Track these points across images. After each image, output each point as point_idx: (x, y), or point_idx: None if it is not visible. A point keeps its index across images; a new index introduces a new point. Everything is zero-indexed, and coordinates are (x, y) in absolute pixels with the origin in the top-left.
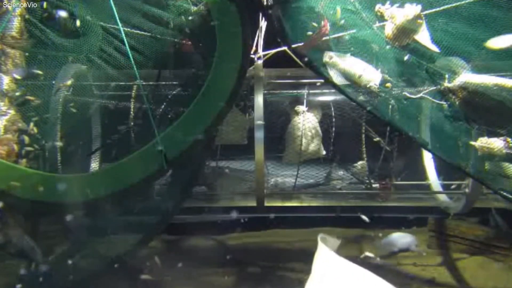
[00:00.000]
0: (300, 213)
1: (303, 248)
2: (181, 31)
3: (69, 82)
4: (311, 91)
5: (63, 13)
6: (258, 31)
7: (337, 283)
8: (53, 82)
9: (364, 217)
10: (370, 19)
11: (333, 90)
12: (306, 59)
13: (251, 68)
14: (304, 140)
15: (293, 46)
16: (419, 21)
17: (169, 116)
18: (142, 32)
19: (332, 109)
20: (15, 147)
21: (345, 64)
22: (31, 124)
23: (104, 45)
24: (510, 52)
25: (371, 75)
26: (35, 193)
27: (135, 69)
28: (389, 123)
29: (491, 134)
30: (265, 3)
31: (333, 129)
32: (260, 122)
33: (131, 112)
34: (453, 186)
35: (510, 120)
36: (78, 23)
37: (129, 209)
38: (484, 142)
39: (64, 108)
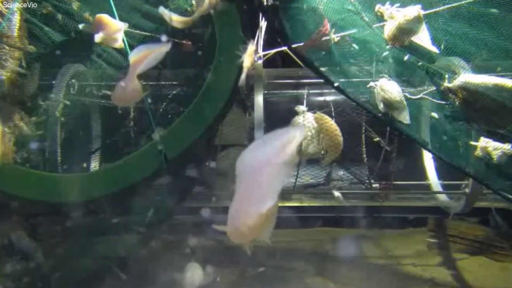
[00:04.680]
0: (300, 213)
1: (303, 248)
2: (181, 31)
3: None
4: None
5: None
6: (258, 31)
7: None
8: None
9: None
10: (370, 19)
11: (333, 90)
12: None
13: (251, 68)
14: (304, 140)
15: (293, 46)
16: (419, 21)
17: (169, 116)
18: (142, 32)
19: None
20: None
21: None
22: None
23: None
24: (510, 52)
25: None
26: (35, 192)
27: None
28: (390, 123)
29: (491, 134)
30: (265, 3)
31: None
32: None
33: (131, 112)
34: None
35: (510, 120)
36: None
37: (129, 209)
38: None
39: (64, 108)
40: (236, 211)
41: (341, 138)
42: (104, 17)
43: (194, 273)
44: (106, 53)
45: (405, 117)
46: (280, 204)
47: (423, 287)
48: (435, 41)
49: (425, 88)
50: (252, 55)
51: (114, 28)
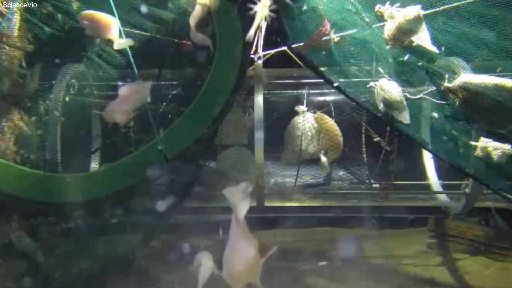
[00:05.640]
0: (300, 213)
1: (303, 248)
2: (181, 31)
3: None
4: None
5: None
6: (258, 31)
7: None
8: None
9: None
10: (370, 19)
11: (333, 90)
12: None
13: (251, 68)
14: (304, 140)
15: (293, 46)
16: (419, 21)
17: (169, 116)
18: (142, 32)
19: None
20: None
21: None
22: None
23: (104, 44)
24: (510, 52)
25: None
26: (35, 193)
27: (135, 69)
28: (390, 123)
29: (491, 134)
30: None
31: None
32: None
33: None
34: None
35: (510, 120)
36: None
37: (129, 209)
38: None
39: (64, 108)
40: (228, 257)
41: (341, 138)
42: (95, 14)
43: (205, 261)
44: (106, 53)
45: (405, 117)
46: (280, 204)
47: (423, 287)
48: (435, 41)
49: (425, 88)
50: (266, 6)
51: (106, 23)
